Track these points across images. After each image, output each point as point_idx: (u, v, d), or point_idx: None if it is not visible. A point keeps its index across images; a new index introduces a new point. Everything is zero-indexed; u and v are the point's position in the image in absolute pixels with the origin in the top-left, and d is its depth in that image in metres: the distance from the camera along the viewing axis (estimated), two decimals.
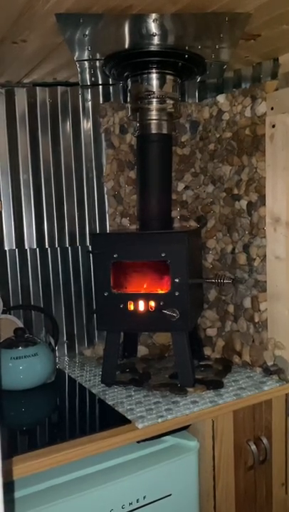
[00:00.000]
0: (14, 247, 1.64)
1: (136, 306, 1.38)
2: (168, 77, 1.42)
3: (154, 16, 1.13)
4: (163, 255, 1.35)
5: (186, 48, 1.31)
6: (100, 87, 1.70)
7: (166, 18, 1.14)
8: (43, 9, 1.04)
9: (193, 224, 1.70)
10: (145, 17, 1.13)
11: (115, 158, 1.71)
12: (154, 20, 1.15)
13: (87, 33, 1.19)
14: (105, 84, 1.68)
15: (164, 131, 1.47)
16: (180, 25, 1.19)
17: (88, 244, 1.74)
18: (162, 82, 1.42)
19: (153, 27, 1.18)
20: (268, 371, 1.45)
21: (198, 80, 1.59)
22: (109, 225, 1.76)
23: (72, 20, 1.12)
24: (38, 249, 1.68)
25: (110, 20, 1.14)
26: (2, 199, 1.61)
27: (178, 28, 1.20)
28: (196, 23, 1.18)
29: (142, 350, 1.70)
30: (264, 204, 1.44)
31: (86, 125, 1.71)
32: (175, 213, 1.72)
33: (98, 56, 1.36)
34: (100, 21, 1.14)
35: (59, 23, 1.11)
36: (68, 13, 1.08)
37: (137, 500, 1.17)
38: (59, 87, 1.66)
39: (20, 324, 1.62)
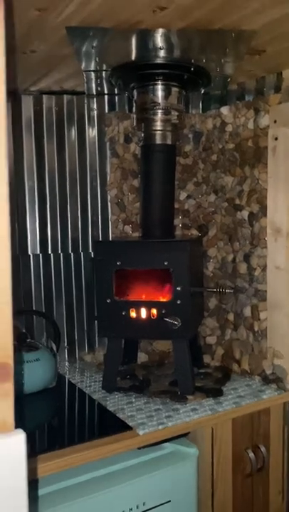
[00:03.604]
0: (17, 253, 1.66)
1: (138, 313, 1.39)
2: (173, 88, 1.44)
3: (161, 31, 1.15)
4: (166, 263, 1.37)
5: (192, 61, 1.33)
6: (106, 96, 1.73)
7: (172, 33, 1.16)
8: (54, 22, 1.06)
9: (194, 232, 1.73)
10: (152, 32, 1.16)
11: (119, 167, 1.73)
12: (161, 35, 1.17)
13: (95, 45, 1.22)
14: (111, 94, 1.71)
15: (168, 142, 1.49)
16: (186, 40, 1.21)
17: (90, 250, 1.76)
18: (167, 93, 1.44)
19: (160, 41, 1.21)
20: (266, 380, 1.47)
21: (202, 92, 1.61)
22: (112, 232, 1.78)
23: (82, 33, 1.14)
24: (40, 254, 1.70)
25: (118, 33, 1.16)
26: None
27: (184, 43, 1.23)
28: (202, 38, 1.20)
29: (141, 357, 1.71)
30: (265, 215, 1.46)
31: (91, 133, 1.73)
32: (177, 222, 1.74)
33: (105, 67, 1.38)
34: (109, 35, 1.16)
35: (69, 35, 1.13)
36: (79, 26, 1.10)
37: (137, 507, 1.17)
38: (65, 96, 1.68)
39: (22, 329, 1.64)
